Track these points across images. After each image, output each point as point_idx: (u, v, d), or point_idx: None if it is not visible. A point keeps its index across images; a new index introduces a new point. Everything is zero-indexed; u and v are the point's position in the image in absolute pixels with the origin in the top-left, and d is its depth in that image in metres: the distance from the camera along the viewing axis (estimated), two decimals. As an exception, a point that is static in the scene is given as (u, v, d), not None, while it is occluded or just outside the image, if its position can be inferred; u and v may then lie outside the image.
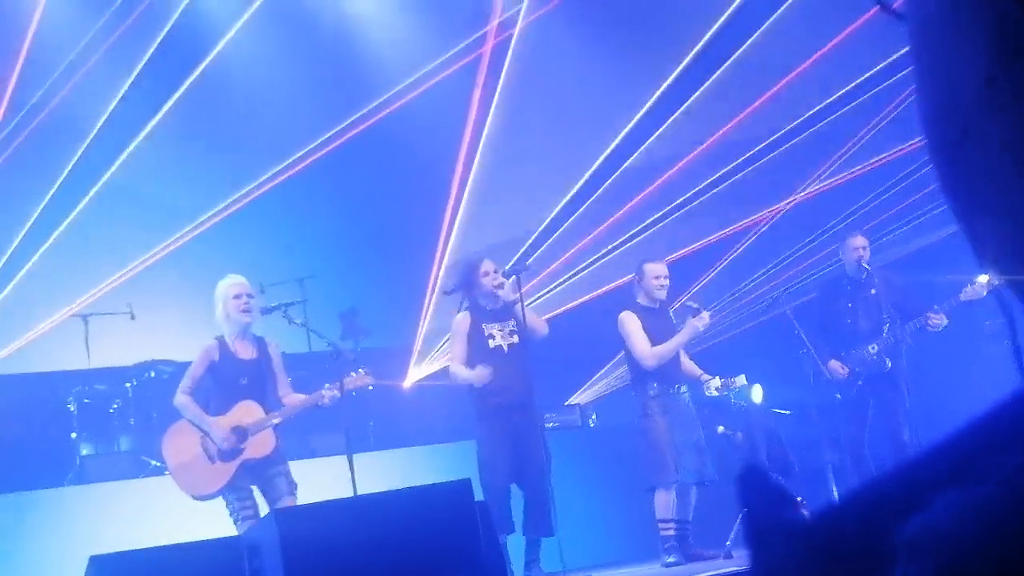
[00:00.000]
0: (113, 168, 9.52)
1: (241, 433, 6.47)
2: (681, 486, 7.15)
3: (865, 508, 0.46)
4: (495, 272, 7.03)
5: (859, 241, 8.12)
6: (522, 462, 6.84)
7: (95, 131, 9.41)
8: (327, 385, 6.62)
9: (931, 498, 0.43)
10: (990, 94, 0.56)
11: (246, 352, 6.67)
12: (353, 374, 6.67)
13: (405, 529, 4.92)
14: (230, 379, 6.59)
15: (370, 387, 6.80)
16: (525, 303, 7.21)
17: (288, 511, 5.92)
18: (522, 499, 6.96)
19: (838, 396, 8.13)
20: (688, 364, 7.48)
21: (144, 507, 7.42)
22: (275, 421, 6.57)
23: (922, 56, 0.63)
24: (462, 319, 7.03)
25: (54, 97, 9.18)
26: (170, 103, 9.63)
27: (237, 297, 6.62)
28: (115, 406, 8.56)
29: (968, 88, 0.58)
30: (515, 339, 7.00)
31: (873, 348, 7.96)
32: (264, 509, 6.45)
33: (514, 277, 7.11)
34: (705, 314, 7.22)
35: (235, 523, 6.43)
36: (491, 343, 6.94)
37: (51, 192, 9.36)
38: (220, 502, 6.54)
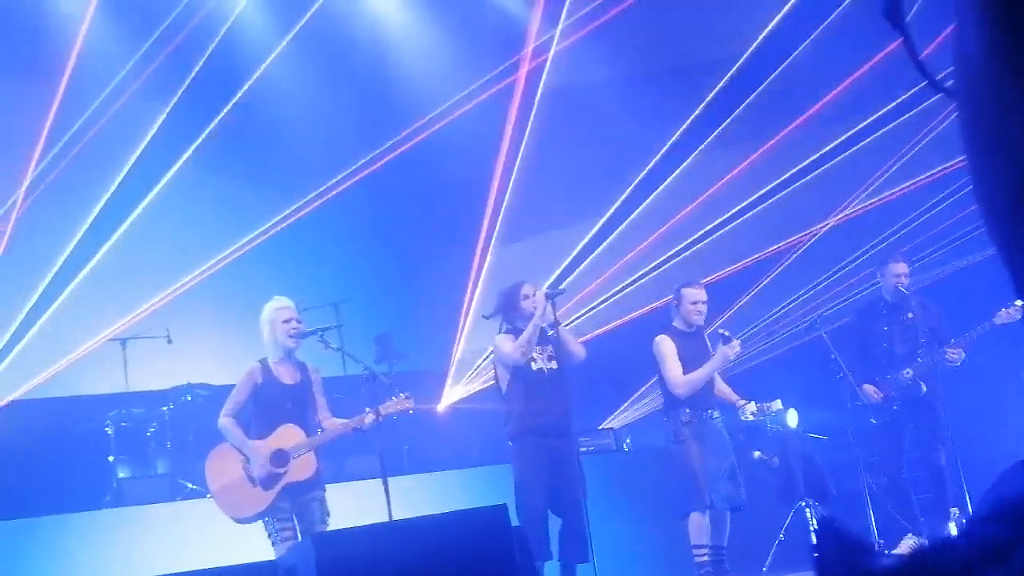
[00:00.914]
0: (152, 194, 9.64)
1: (283, 456, 6.47)
2: (715, 511, 7.10)
3: (945, 558, 0.46)
4: (535, 295, 7.04)
5: (900, 268, 8.05)
6: (558, 487, 6.79)
7: (134, 157, 9.54)
8: (368, 409, 6.61)
9: (1010, 552, 0.43)
10: None
11: (289, 376, 6.68)
12: (394, 398, 6.67)
13: (441, 555, 4.92)
14: (273, 403, 6.60)
15: (410, 411, 6.78)
16: (561, 326, 7.21)
17: (325, 535, 5.92)
18: (558, 524, 6.92)
19: (873, 421, 8.06)
20: (723, 388, 7.44)
21: (181, 530, 7.46)
22: (317, 444, 6.58)
23: (972, 131, 0.64)
24: (505, 339, 7.02)
25: (95, 124, 9.31)
26: (208, 130, 9.75)
27: (287, 321, 6.63)
28: (152, 429, 8.62)
29: (1019, 161, 0.59)
30: (553, 364, 6.99)
31: (908, 372, 7.89)
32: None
33: (549, 302, 7.11)
34: (736, 342, 7.18)
35: (273, 544, 6.43)
36: (533, 365, 6.94)
37: (91, 217, 9.49)
38: (258, 525, 6.55)
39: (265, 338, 6.70)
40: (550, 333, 7.04)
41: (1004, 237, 0.66)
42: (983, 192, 0.69)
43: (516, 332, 7.00)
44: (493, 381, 7.20)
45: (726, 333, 7.26)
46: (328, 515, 6.56)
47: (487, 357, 7.47)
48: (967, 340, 7.76)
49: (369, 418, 6.55)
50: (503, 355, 6.97)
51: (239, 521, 6.54)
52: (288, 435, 6.53)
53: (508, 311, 7.08)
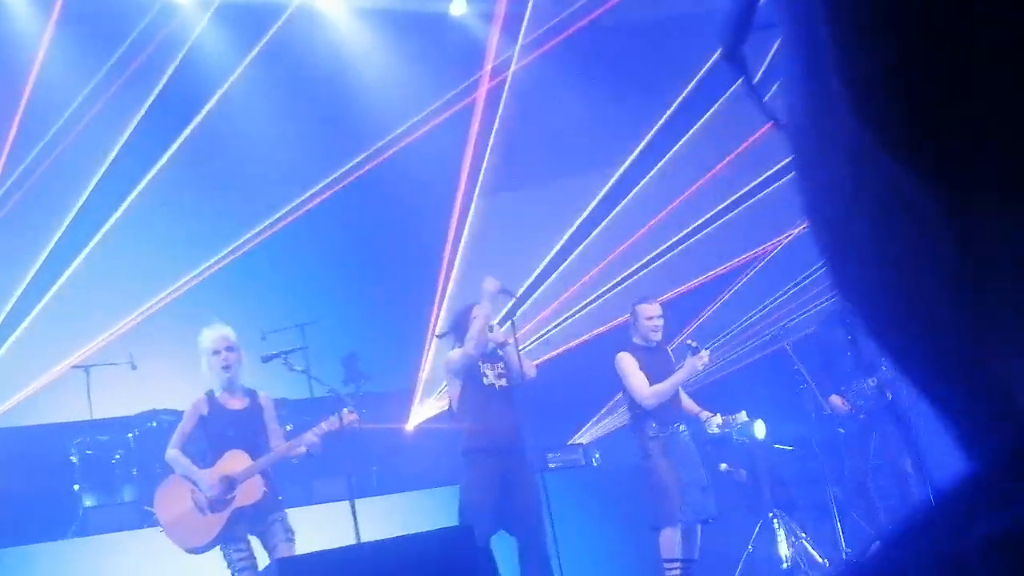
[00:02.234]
0: (113, 219, 9.59)
1: (230, 482, 6.44)
2: (686, 525, 7.12)
3: (931, 523, 0.47)
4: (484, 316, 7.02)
5: (859, 275, 8.12)
6: (510, 507, 6.72)
7: (95, 182, 9.49)
8: (312, 430, 6.57)
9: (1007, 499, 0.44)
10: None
11: (235, 403, 6.61)
12: (338, 413, 6.58)
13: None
14: (219, 431, 6.54)
15: (356, 425, 6.70)
16: (521, 345, 7.22)
17: (291, 560, 5.89)
18: (516, 546, 6.84)
19: (841, 431, 8.12)
20: (687, 402, 7.47)
21: (148, 558, 7.38)
22: (263, 467, 6.53)
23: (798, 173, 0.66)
24: (456, 350, 7.01)
25: (53, 150, 9.25)
26: (168, 154, 9.71)
27: (216, 353, 6.50)
28: (117, 456, 8.55)
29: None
30: (504, 381, 6.98)
31: (872, 381, 7.96)
32: (261, 559, 6.42)
33: (509, 323, 7.13)
34: (704, 353, 7.19)
35: (232, 574, 6.39)
36: (484, 380, 6.92)
37: (51, 244, 9.42)
38: (220, 554, 6.50)
39: (203, 368, 6.62)
40: (500, 352, 7.06)
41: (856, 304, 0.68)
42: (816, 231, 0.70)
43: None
44: (447, 402, 7.17)
45: (694, 344, 7.26)
46: (292, 533, 6.50)
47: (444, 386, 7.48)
48: None
49: (310, 437, 6.50)
50: (453, 361, 6.93)
51: (192, 551, 6.48)
52: (234, 460, 6.49)
53: (460, 331, 7.05)
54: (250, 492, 6.45)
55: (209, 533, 6.40)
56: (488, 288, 6.91)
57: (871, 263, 0.54)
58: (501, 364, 7.01)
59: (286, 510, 6.63)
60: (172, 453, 6.53)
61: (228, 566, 6.42)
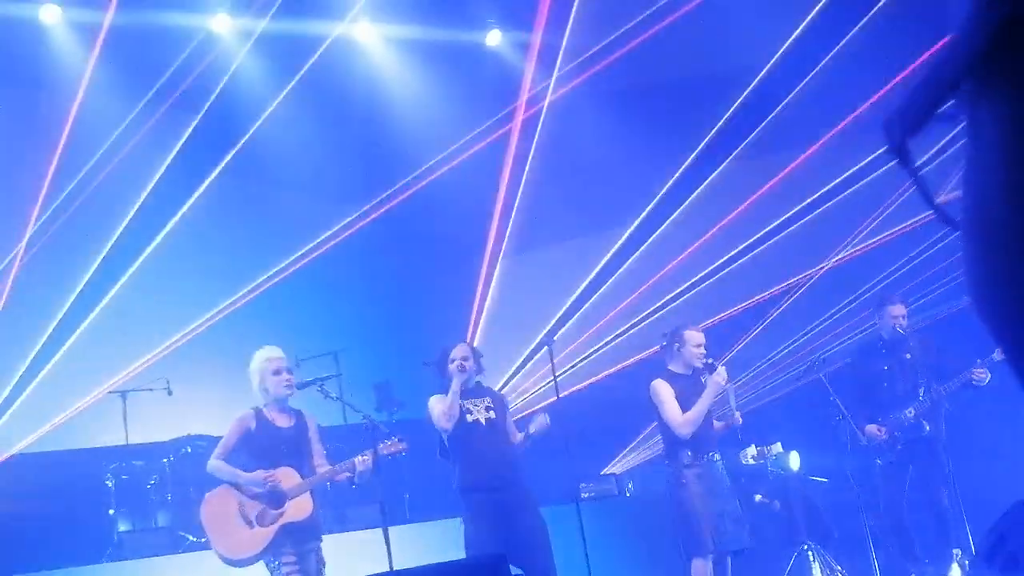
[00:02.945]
0: (152, 246, 9.69)
1: (279, 496, 6.43)
2: (718, 555, 7.06)
3: None
4: (462, 359, 7.00)
5: (898, 309, 8.08)
6: (510, 540, 6.64)
7: (134, 210, 9.60)
8: (360, 455, 6.58)
9: None
10: None
11: (284, 422, 6.65)
12: (386, 441, 6.66)
13: (442, 601, 4.90)
14: (269, 447, 6.52)
15: (403, 453, 6.76)
16: (557, 371, 7.22)
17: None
18: None
19: (878, 462, 8.04)
20: (718, 426, 7.42)
21: (182, 583, 7.42)
22: (314, 484, 6.55)
23: (981, 263, 0.69)
24: (436, 399, 7.00)
25: (95, 178, 9.38)
26: (206, 183, 9.82)
27: (277, 373, 6.58)
28: (152, 482, 8.60)
29: None
30: (492, 414, 6.95)
31: (910, 412, 7.90)
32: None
33: (546, 348, 7.11)
34: (721, 368, 7.11)
35: None
36: (469, 417, 6.89)
37: (91, 270, 9.53)
38: (258, 571, 6.48)
39: (255, 387, 6.64)
40: (486, 385, 7.07)
41: (1011, 344, 0.72)
42: (992, 319, 0.75)
43: (445, 391, 6.98)
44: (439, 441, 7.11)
45: (709, 361, 7.19)
46: (324, 565, 6.51)
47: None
48: (992, 361, 7.72)
49: (361, 461, 6.52)
50: (434, 418, 6.97)
51: (236, 563, 6.41)
52: (284, 476, 6.49)
53: (440, 368, 7.09)
54: (300, 509, 6.43)
55: (257, 546, 6.34)
56: (452, 367, 6.95)
57: None
58: (487, 399, 7.01)
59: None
60: (215, 463, 6.50)
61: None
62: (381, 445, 6.59)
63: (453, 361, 6.98)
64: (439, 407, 6.90)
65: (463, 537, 6.79)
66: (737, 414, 7.31)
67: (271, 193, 10.25)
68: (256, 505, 6.41)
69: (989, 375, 7.71)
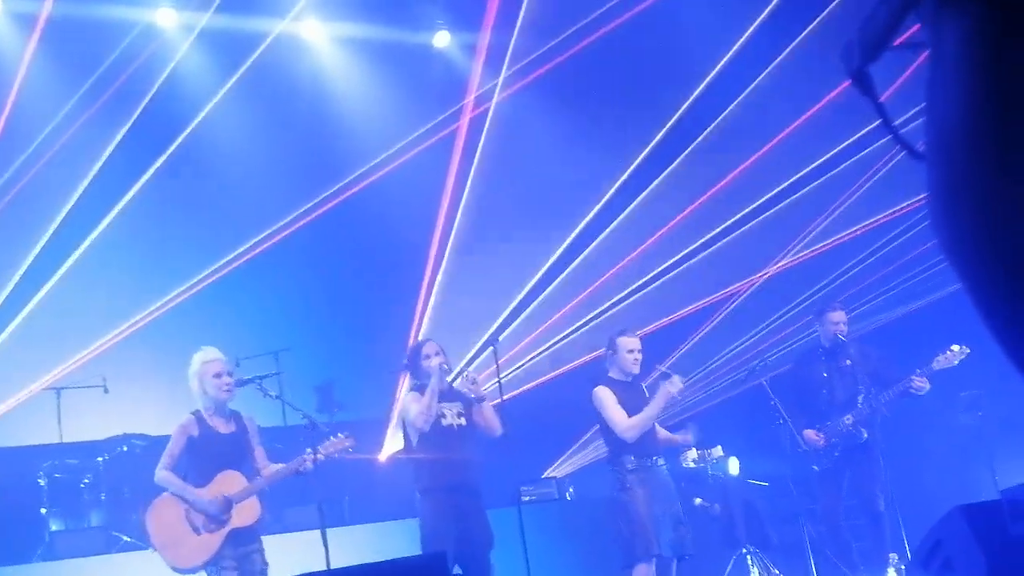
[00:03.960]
0: (89, 240, 9.53)
1: (227, 502, 6.40)
2: (661, 560, 7.07)
3: None
4: (436, 355, 6.98)
5: (838, 316, 8.16)
6: (465, 543, 6.73)
7: (70, 204, 9.43)
8: (308, 450, 6.55)
9: None
10: None
11: (224, 426, 6.61)
12: (333, 438, 6.64)
13: (380, 603, 4.85)
14: (210, 452, 6.51)
15: (350, 450, 6.73)
16: (502, 372, 7.22)
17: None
18: None
19: (815, 468, 8.11)
20: (664, 434, 7.45)
21: (114, 584, 7.30)
22: (260, 487, 6.51)
23: (948, 192, 0.67)
24: (412, 398, 6.97)
25: (30, 170, 9.20)
26: (146, 176, 9.67)
27: (218, 376, 6.54)
28: (86, 481, 8.46)
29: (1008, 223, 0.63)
30: (462, 420, 6.95)
31: (848, 419, 7.97)
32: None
33: (491, 348, 7.10)
34: (676, 378, 7.15)
35: None
36: (443, 421, 6.88)
37: (26, 263, 9.35)
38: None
39: (194, 390, 6.61)
40: (464, 391, 7.04)
41: (978, 284, 0.69)
42: (954, 239, 0.72)
43: (421, 390, 6.95)
44: (403, 437, 7.09)
45: (665, 370, 7.24)
46: (267, 566, 6.49)
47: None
48: (931, 371, 7.81)
49: (311, 459, 6.49)
50: (409, 419, 6.93)
51: (183, 572, 6.42)
52: (229, 481, 6.46)
53: (413, 367, 7.06)
54: (247, 513, 6.44)
55: (206, 553, 6.36)
56: (433, 365, 6.90)
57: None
58: (459, 403, 7.00)
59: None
60: (163, 474, 6.48)
61: None
62: (328, 442, 6.56)
63: (428, 357, 6.94)
64: (415, 406, 6.86)
65: (419, 535, 6.83)
66: (688, 436, 7.34)
67: (212, 189, 10.11)
68: (204, 511, 6.37)
69: (928, 385, 7.81)
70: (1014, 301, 0.75)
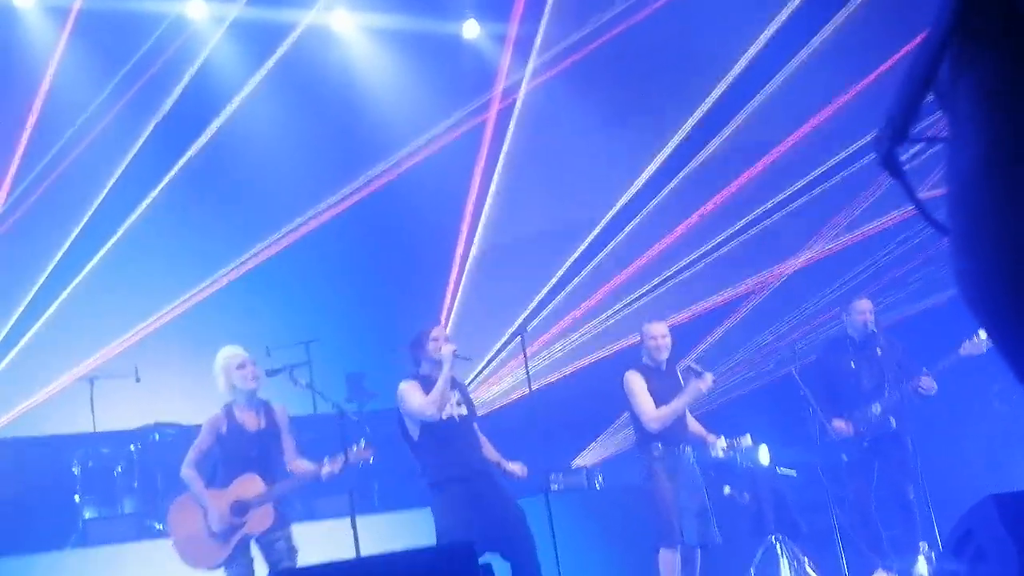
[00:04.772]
0: (120, 232, 9.61)
1: (242, 507, 6.45)
2: (686, 549, 7.07)
3: None
4: (446, 340, 6.74)
5: (865, 305, 8.13)
6: (489, 528, 6.48)
7: (103, 195, 9.52)
8: (327, 459, 6.57)
9: None
10: None
11: (253, 422, 6.62)
12: (354, 447, 6.60)
13: (408, 590, 4.87)
14: (237, 451, 6.54)
15: (370, 460, 6.71)
16: (530, 362, 7.18)
17: (289, 572, 5.87)
18: (509, 568, 6.72)
19: (844, 457, 8.08)
20: (694, 425, 7.44)
21: (147, 571, 7.37)
22: (276, 496, 6.54)
23: (965, 233, 0.69)
24: (411, 387, 6.68)
25: (63, 161, 9.29)
26: (177, 167, 9.75)
27: (242, 367, 6.58)
28: (119, 469, 8.54)
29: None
30: (463, 409, 6.77)
31: (877, 408, 7.94)
32: (261, 572, 6.42)
33: (519, 337, 7.07)
34: (708, 376, 7.15)
35: None
36: (443, 414, 6.64)
37: (59, 255, 9.44)
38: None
39: (221, 387, 6.65)
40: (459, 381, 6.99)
41: (1005, 334, 0.71)
42: (977, 290, 0.74)
43: (420, 379, 6.72)
44: (402, 431, 6.80)
45: (697, 368, 7.24)
46: (296, 550, 6.52)
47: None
48: (941, 369, 7.81)
49: (327, 470, 6.51)
50: (411, 409, 6.63)
51: (202, 571, 6.52)
52: (248, 485, 6.49)
53: (414, 351, 6.82)
54: (261, 520, 6.47)
55: (218, 557, 6.45)
56: (446, 353, 6.70)
57: None
58: (458, 393, 6.84)
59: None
60: (188, 473, 6.52)
61: None
62: (348, 452, 6.54)
63: (436, 341, 6.75)
64: (418, 396, 6.58)
65: (435, 529, 6.65)
66: (717, 440, 7.28)
67: (243, 180, 10.17)
68: (219, 517, 6.42)
69: (935, 385, 7.78)
70: None
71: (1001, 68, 0.85)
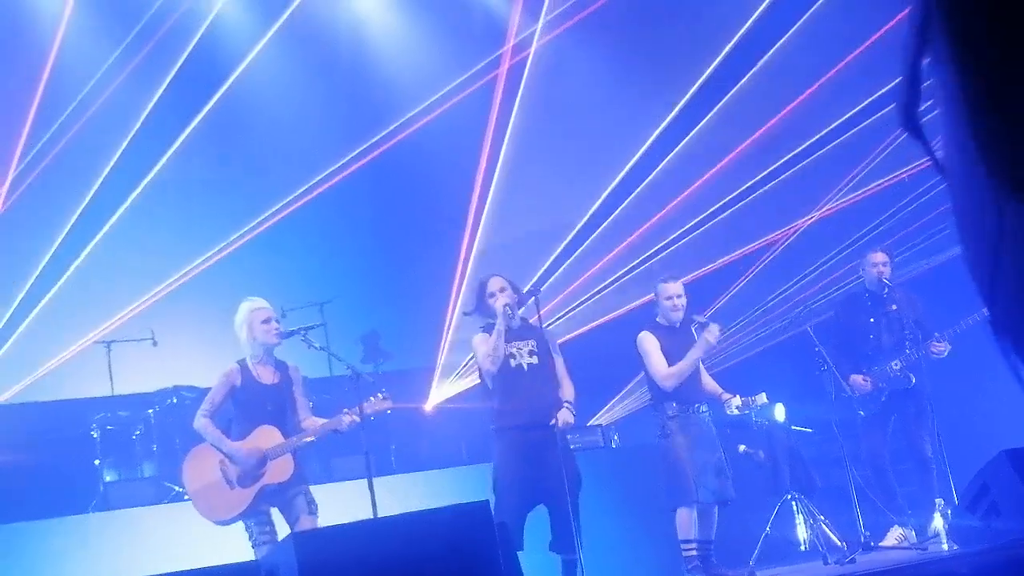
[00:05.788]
0: (134, 194, 9.61)
1: (262, 457, 6.45)
2: (702, 506, 7.09)
3: None
4: (501, 291, 6.86)
5: (879, 257, 8.07)
6: (540, 480, 6.65)
7: (115, 159, 9.50)
8: (345, 410, 6.58)
9: None
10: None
11: (268, 377, 6.63)
12: (372, 398, 6.61)
13: (424, 551, 4.90)
14: (252, 404, 6.54)
15: (388, 411, 6.74)
16: (545, 322, 7.18)
17: (306, 534, 5.90)
18: (548, 518, 6.82)
19: (861, 413, 8.06)
20: (709, 383, 7.43)
21: (167, 533, 7.43)
22: (295, 446, 6.54)
23: (957, 220, 0.70)
24: (481, 339, 6.89)
25: (75, 123, 9.27)
26: (189, 129, 9.72)
27: (266, 322, 6.57)
28: (138, 432, 8.59)
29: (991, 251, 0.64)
30: (535, 359, 6.84)
31: (896, 364, 7.91)
32: (283, 531, 6.43)
33: (533, 299, 7.07)
34: (714, 326, 7.14)
35: (253, 548, 6.39)
36: (512, 362, 6.79)
37: (73, 218, 9.45)
38: (242, 526, 6.52)
39: (242, 339, 6.63)
40: (536, 324, 6.98)
41: (999, 321, 0.71)
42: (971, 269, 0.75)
43: (489, 329, 6.83)
44: (479, 379, 7.06)
45: (702, 319, 7.24)
46: (315, 506, 6.52)
47: (472, 356, 7.37)
48: (952, 334, 7.79)
49: (347, 419, 6.50)
50: (478, 361, 6.89)
51: (216, 523, 6.51)
52: (266, 436, 6.49)
53: (481, 308, 6.96)
54: (281, 471, 6.46)
55: (237, 507, 6.41)
56: (498, 308, 6.78)
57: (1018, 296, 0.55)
58: (532, 342, 6.90)
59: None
60: (202, 422, 6.51)
61: (249, 539, 6.43)
62: (367, 403, 6.55)
63: (492, 296, 6.85)
64: (483, 348, 6.79)
65: (492, 477, 6.80)
66: (732, 399, 7.27)
67: (255, 141, 10.14)
68: (241, 460, 6.42)
69: (948, 347, 7.75)
70: None
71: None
